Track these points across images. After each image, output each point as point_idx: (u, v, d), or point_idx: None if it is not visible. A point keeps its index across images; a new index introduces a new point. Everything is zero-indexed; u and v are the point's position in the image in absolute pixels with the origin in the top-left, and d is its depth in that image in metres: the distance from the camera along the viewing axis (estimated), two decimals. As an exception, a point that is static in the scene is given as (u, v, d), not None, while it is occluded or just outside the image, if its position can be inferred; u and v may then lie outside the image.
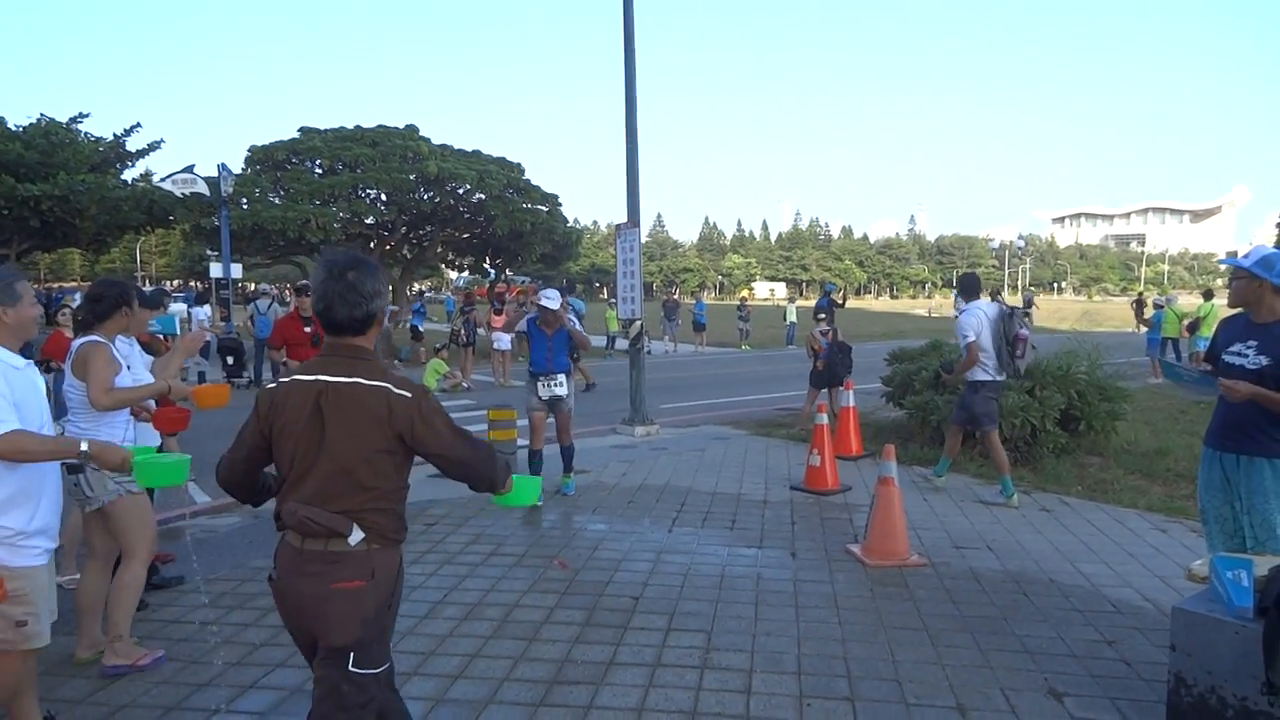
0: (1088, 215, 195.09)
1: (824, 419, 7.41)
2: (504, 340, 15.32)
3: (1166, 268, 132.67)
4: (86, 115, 24.60)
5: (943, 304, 75.59)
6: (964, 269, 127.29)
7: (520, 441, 7.37)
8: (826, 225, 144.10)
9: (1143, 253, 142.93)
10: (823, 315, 10.50)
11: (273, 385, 2.47)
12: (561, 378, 6.87)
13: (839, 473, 7.48)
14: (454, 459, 2.41)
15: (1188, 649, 3.13)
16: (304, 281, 9.83)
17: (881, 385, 10.28)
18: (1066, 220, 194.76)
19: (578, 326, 7.22)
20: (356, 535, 2.32)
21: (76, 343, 4.00)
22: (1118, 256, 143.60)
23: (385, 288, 2.60)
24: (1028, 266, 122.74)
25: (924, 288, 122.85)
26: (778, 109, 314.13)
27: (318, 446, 2.32)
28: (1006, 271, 64.59)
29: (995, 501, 6.90)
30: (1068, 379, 8.38)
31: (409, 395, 2.33)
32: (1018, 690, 3.65)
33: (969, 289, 7.32)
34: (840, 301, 18.10)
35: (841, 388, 9.33)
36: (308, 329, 7.46)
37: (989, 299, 7.12)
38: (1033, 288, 70.29)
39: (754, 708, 3.52)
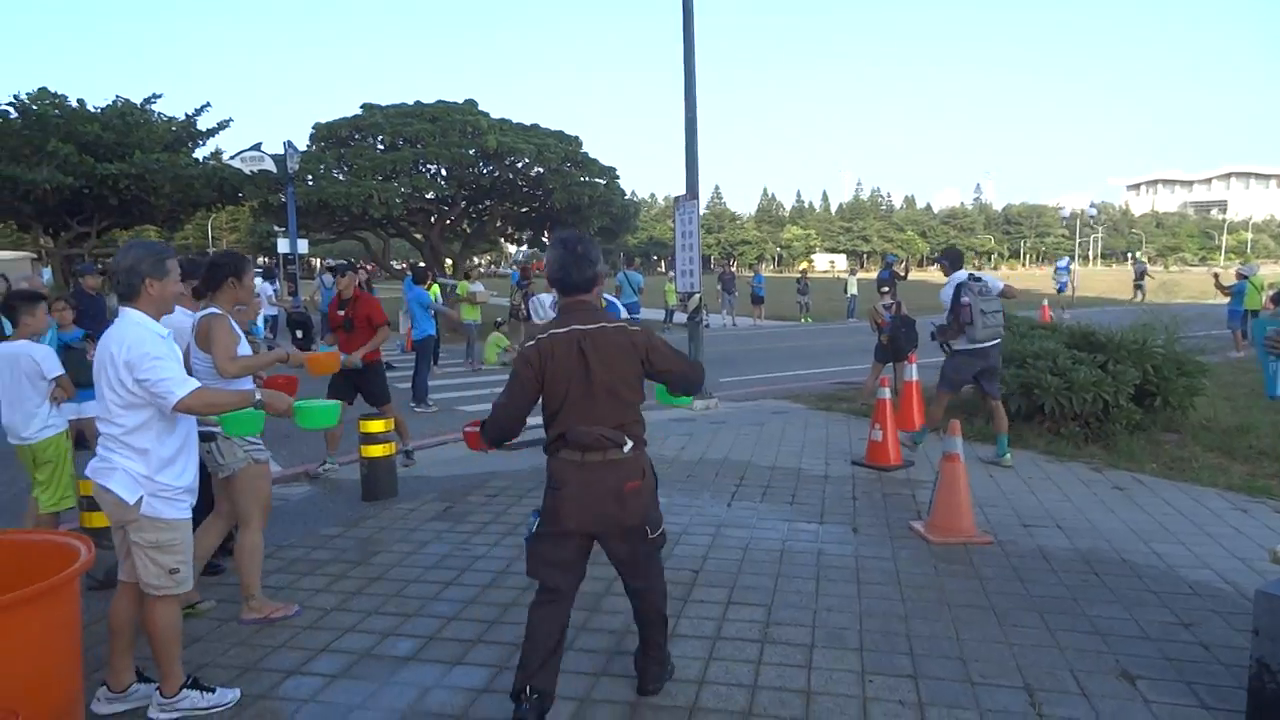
0: (1165, 181, 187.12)
1: (887, 393, 7.29)
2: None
3: (1250, 236, 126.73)
4: (159, 96, 25.39)
5: (1010, 275, 73.64)
6: (1033, 239, 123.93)
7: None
8: (888, 195, 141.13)
9: (1224, 220, 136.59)
10: (886, 288, 10.30)
11: (532, 343, 3.06)
12: None
13: (901, 448, 7.36)
14: (677, 373, 3.21)
15: (1272, 634, 3.00)
16: (340, 263, 9.79)
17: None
18: (1142, 187, 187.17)
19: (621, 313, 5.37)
20: (628, 445, 3.07)
21: (197, 315, 4.22)
22: (1197, 225, 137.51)
23: (602, 256, 3.24)
24: (1100, 236, 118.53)
25: (990, 258, 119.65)
26: (838, 77, 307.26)
27: (587, 380, 3.00)
28: (1077, 241, 62.42)
29: (991, 461, 7.22)
30: (1143, 352, 8.09)
31: (640, 330, 3.15)
32: (1088, 672, 3.57)
33: (954, 262, 7.49)
34: (902, 274, 17.76)
35: (905, 362, 9.16)
36: (341, 311, 7.26)
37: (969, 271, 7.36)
38: (1143, 257, 67.46)
39: (815, 682, 3.51)
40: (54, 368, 4.89)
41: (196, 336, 4.12)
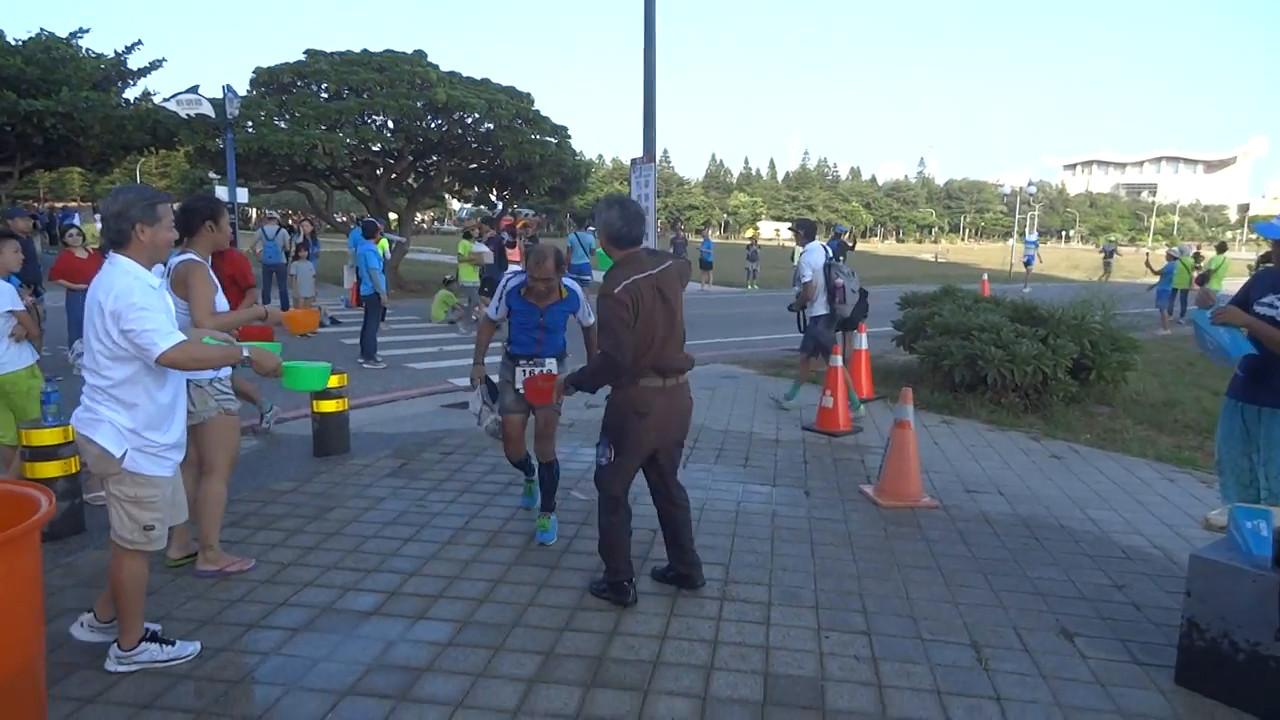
0: (1100, 163, 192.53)
1: (838, 361, 7.44)
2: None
3: (1177, 219, 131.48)
4: (86, 31, 24.07)
5: (949, 249, 75.08)
6: (973, 213, 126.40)
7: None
8: (835, 166, 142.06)
9: (1153, 203, 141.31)
10: (841, 258, 10.44)
11: (621, 288, 3.47)
12: (551, 364, 4.60)
13: (851, 415, 7.53)
14: None
15: (1203, 595, 3.20)
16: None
17: (892, 329, 10.29)
18: (1078, 167, 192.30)
19: (585, 308, 4.65)
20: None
21: (174, 260, 4.04)
22: (1128, 206, 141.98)
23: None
24: (1037, 213, 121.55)
25: (931, 232, 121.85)
26: (787, 45, 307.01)
27: (668, 315, 3.60)
28: (1016, 218, 63.80)
29: (781, 402, 8.38)
30: (1081, 328, 8.40)
31: (683, 260, 3.85)
32: (1030, 629, 3.75)
33: (808, 232, 8.28)
34: (851, 244, 17.99)
35: (855, 331, 9.33)
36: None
37: (826, 241, 8.00)
38: (1114, 238, 69.04)
39: (773, 638, 3.62)
40: (9, 303, 4.85)
41: (173, 282, 3.95)
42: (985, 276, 22.95)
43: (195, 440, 4.07)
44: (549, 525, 4.74)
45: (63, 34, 23.68)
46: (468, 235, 14.97)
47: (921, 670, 3.38)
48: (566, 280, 4.50)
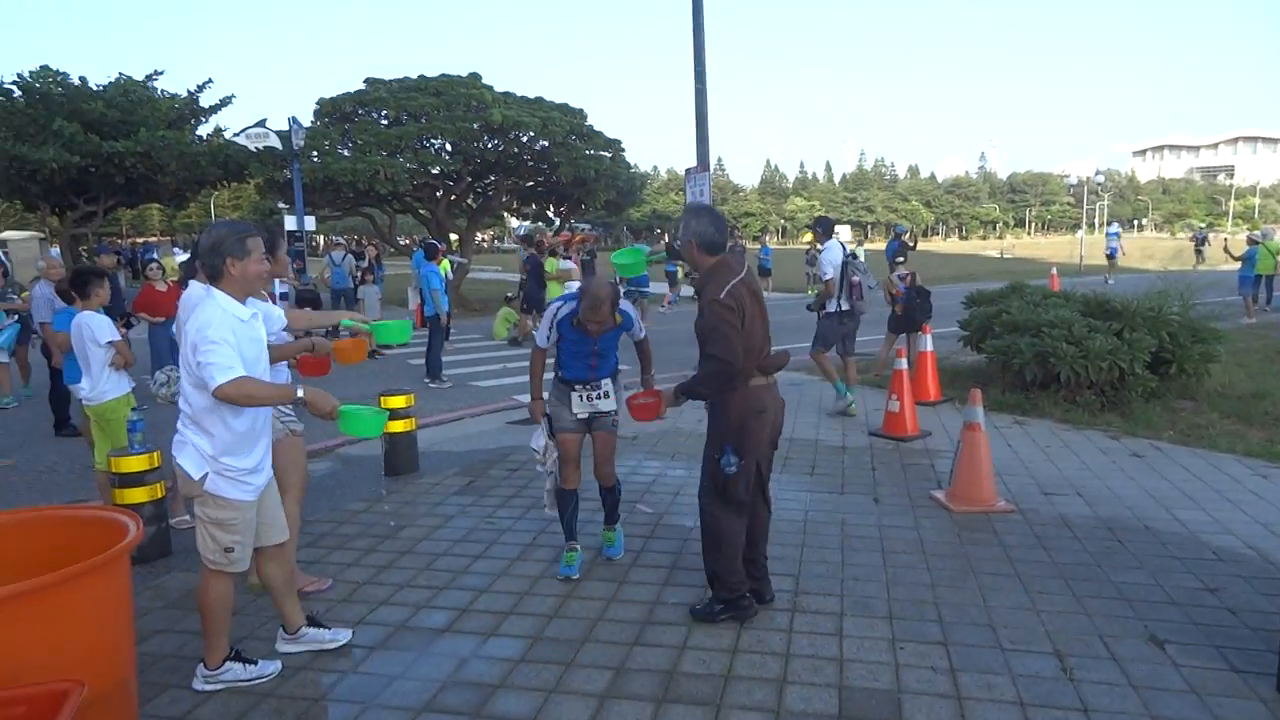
0: (1171, 147, 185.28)
1: (903, 364, 7.30)
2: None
3: (1258, 201, 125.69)
4: (161, 73, 25.20)
5: (1015, 244, 73.09)
6: (1038, 207, 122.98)
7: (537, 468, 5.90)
8: (892, 165, 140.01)
9: (1231, 186, 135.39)
10: (901, 259, 10.28)
11: (727, 293, 3.56)
12: (607, 385, 4.43)
13: (918, 418, 7.38)
14: None
15: (1304, 598, 3.03)
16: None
17: (958, 329, 10.06)
18: (1149, 153, 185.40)
19: (638, 325, 4.48)
20: None
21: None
22: (1204, 190, 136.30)
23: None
24: (1106, 203, 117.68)
25: (995, 227, 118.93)
26: (839, 46, 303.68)
27: (763, 315, 3.76)
28: (1085, 209, 61.78)
29: (843, 409, 8.09)
30: (1159, 320, 8.08)
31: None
32: (1116, 637, 3.61)
33: (826, 230, 8.49)
34: (911, 244, 17.69)
35: (920, 332, 9.16)
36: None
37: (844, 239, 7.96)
38: (1202, 225, 66.22)
39: (847, 650, 3.56)
40: (107, 334, 5.16)
41: None
42: (1054, 271, 22.32)
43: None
44: (615, 539, 4.68)
45: (140, 77, 24.82)
46: (553, 253, 15.09)
47: (1003, 681, 3.28)
48: (622, 307, 4.33)
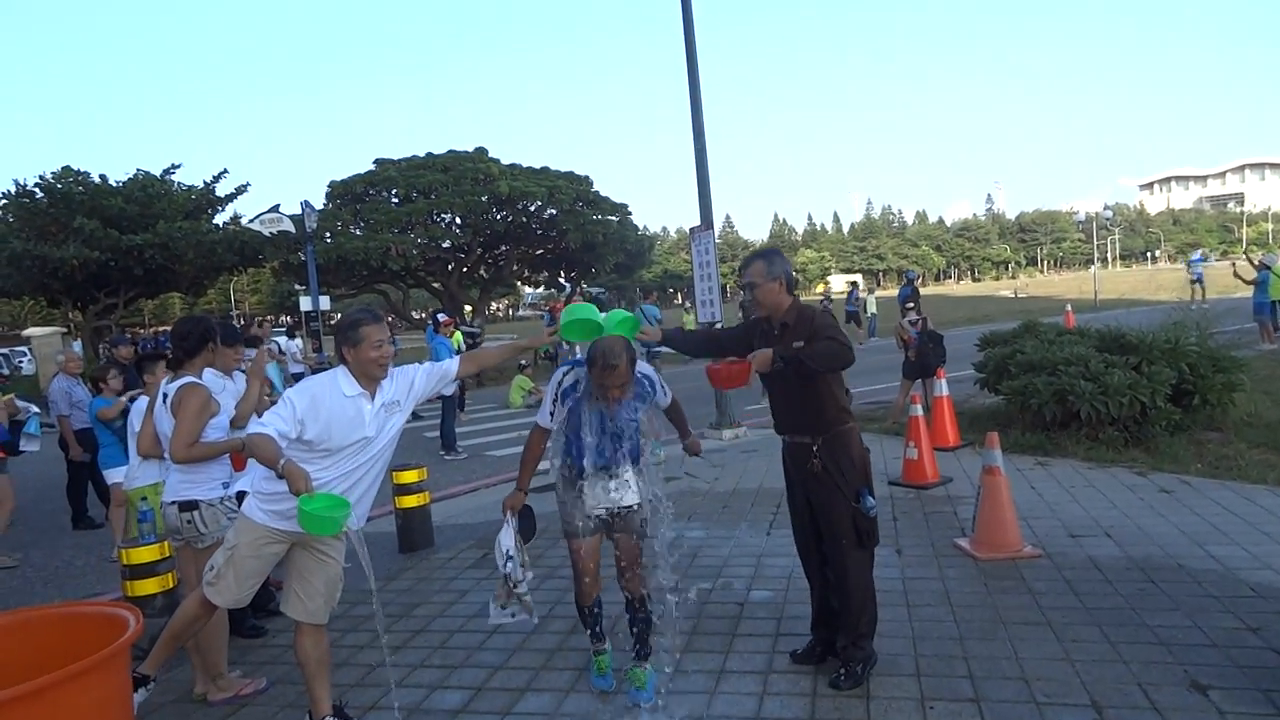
0: (1179, 178, 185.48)
1: (919, 410, 7.21)
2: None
3: (1270, 226, 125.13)
4: (179, 166, 25.97)
5: (1028, 283, 72.93)
6: (1049, 245, 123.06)
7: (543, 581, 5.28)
8: (900, 212, 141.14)
9: (1242, 213, 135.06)
10: (911, 304, 10.25)
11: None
12: (628, 472, 3.64)
13: (938, 465, 7.25)
14: None
15: (1348, 634, 2.90)
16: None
17: (974, 372, 9.96)
18: (1156, 186, 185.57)
19: (662, 389, 3.76)
20: None
21: (175, 384, 4.10)
22: (1215, 219, 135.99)
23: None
24: (1117, 237, 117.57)
25: (1007, 268, 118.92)
26: (839, 100, 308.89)
27: None
28: (1095, 244, 61.78)
29: None
30: (1177, 351, 7.96)
31: None
32: (1156, 684, 3.45)
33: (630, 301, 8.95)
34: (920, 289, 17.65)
35: (934, 377, 9.07)
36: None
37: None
38: (1255, 247, 65.37)
39: (874, 712, 3.42)
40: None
41: (171, 405, 4.03)
42: (1069, 308, 22.20)
43: (199, 564, 3.93)
44: (646, 680, 3.65)
45: (157, 171, 25.56)
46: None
47: (1039, 738, 3.13)
48: (643, 370, 3.62)
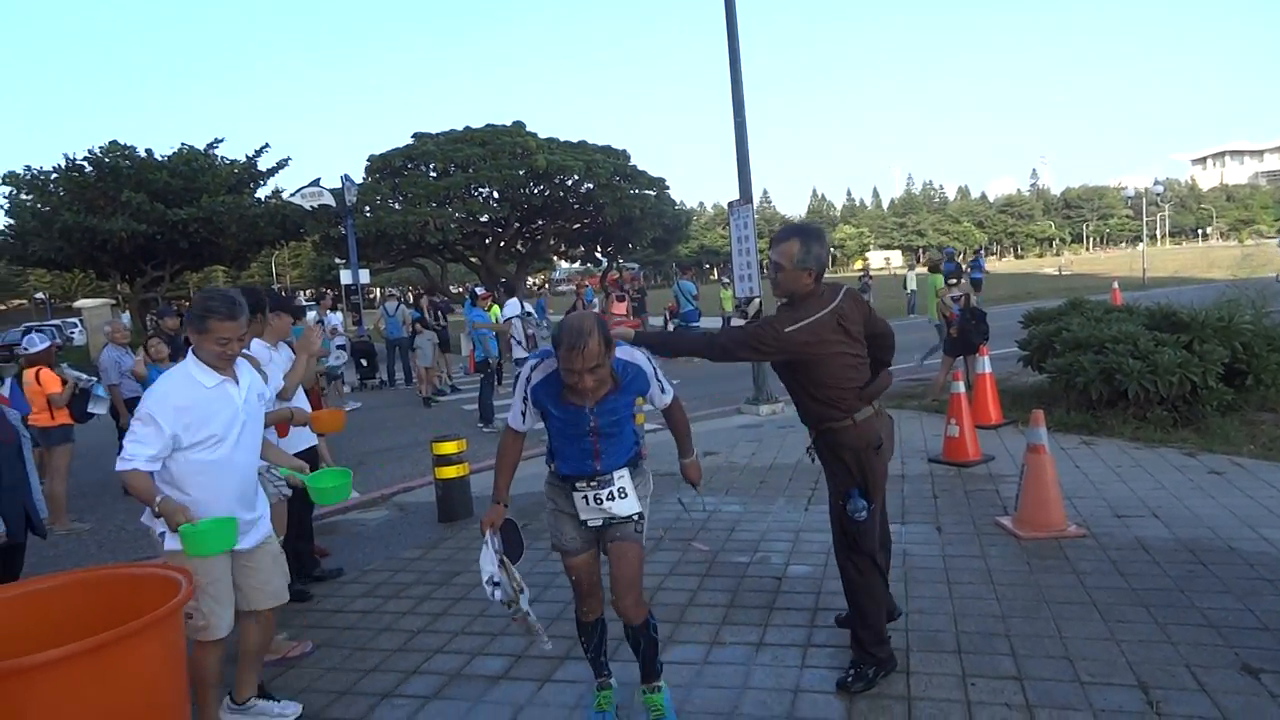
0: (1233, 153, 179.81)
1: (960, 387, 7.11)
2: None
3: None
4: (221, 140, 26.31)
5: (1073, 260, 71.40)
6: (1095, 221, 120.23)
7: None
8: (941, 188, 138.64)
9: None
10: (953, 280, 10.08)
11: (808, 325, 3.28)
12: (623, 478, 3.11)
13: (980, 442, 7.15)
14: None
15: None
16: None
17: (1017, 350, 9.79)
18: (1209, 160, 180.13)
19: (658, 381, 3.17)
20: None
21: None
22: (1270, 194, 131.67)
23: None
24: (1167, 214, 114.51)
25: (1051, 245, 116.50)
26: (881, 72, 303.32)
27: (859, 346, 3.45)
28: (1144, 220, 60.16)
29: None
30: (1230, 330, 7.74)
31: None
32: (1206, 667, 3.39)
33: (508, 291, 10.07)
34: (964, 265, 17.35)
35: (976, 354, 8.94)
36: None
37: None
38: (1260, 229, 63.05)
39: (915, 687, 3.40)
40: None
41: None
42: (1115, 285, 21.72)
43: None
44: (663, 704, 3.25)
45: (201, 145, 25.94)
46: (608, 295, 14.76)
47: (1084, 717, 3.10)
48: (624, 356, 3.05)
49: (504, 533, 3.19)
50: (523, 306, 10.35)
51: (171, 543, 3.13)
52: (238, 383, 3.30)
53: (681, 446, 3.37)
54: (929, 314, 12.05)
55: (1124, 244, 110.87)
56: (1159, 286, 28.22)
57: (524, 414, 3.15)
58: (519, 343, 10.11)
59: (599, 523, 3.14)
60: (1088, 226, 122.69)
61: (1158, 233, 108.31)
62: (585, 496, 3.10)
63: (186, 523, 2.95)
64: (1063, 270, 53.57)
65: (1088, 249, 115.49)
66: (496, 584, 3.08)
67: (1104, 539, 4.95)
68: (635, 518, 3.14)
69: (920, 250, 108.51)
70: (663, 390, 3.21)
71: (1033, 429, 5.25)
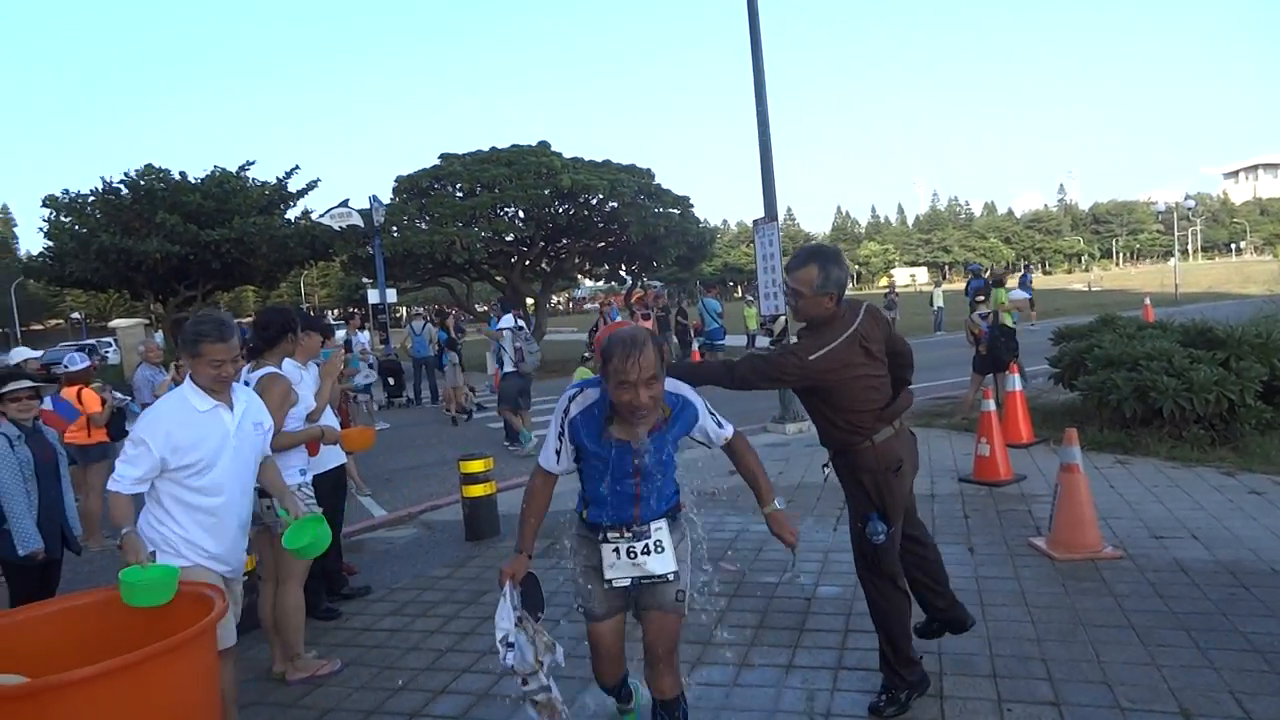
0: (1266, 166, 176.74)
1: (990, 406, 7.02)
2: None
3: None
4: (253, 163, 26.74)
5: (1102, 276, 70.53)
6: (1125, 237, 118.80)
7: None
8: (967, 204, 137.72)
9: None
10: (982, 298, 10.00)
11: (830, 351, 3.19)
12: (661, 531, 2.81)
13: (1011, 461, 7.05)
14: None
15: None
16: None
17: (1047, 367, 9.67)
18: (1241, 174, 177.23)
19: (708, 413, 2.87)
20: None
21: (257, 374, 4.21)
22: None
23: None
24: (1199, 228, 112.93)
25: (1080, 260, 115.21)
26: (904, 89, 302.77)
27: (881, 367, 3.39)
28: (1176, 235, 59.35)
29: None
30: (1268, 346, 7.60)
31: None
32: (1251, 693, 3.29)
33: (504, 308, 10.95)
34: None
35: (1006, 372, 8.83)
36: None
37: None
38: None
39: (949, 712, 3.34)
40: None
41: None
42: (1147, 301, 21.42)
43: (275, 549, 3.96)
44: None
45: (233, 168, 26.39)
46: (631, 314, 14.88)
47: (1124, 745, 3.02)
48: (668, 386, 2.69)
49: (523, 585, 2.80)
50: (516, 321, 10.55)
51: (165, 561, 3.14)
52: (232, 409, 3.29)
53: (759, 492, 2.91)
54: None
55: (1154, 259, 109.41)
56: (1192, 302, 27.79)
57: (558, 452, 2.80)
58: (507, 355, 10.30)
59: (626, 583, 2.80)
60: (1117, 242, 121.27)
61: (1189, 247, 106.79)
62: (617, 549, 2.77)
63: (137, 565, 2.90)
64: (1092, 286, 52.91)
65: (1117, 264, 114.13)
66: (511, 645, 2.65)
67: (1141, 561, 4.85)
68: (671, 578, 2.79)
69: (946, 266, 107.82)
70: (719, 424, 2.88)
71: (1066, 447, 5.17)
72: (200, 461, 3.15)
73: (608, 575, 2.80)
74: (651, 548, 2.77)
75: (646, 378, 2.49)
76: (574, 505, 2.98)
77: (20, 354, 9.29)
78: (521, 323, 10.80)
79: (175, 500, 3.17)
